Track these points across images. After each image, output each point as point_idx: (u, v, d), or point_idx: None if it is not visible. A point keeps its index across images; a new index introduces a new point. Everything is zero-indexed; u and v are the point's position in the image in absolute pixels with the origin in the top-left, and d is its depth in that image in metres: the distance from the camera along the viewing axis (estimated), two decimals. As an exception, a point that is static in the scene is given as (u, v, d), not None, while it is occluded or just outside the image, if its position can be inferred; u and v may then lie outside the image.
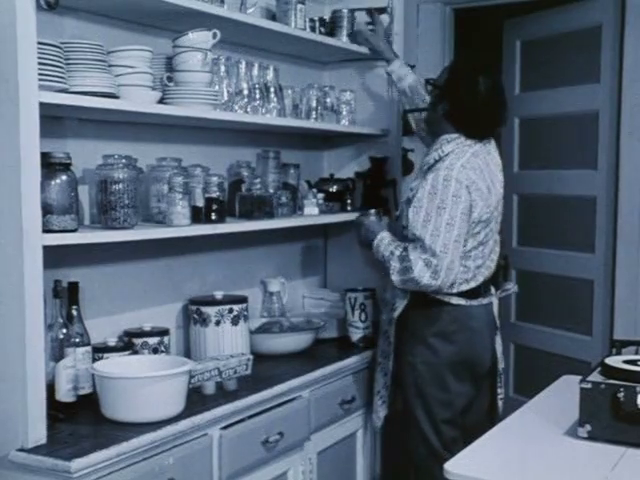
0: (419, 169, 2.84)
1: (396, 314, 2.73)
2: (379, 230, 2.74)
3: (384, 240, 2.69)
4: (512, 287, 2.95)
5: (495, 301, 2.81)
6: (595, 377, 2.09)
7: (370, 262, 3.25)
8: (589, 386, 2.04)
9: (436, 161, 2.66)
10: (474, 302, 2.70)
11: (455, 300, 2.66)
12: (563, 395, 2.39)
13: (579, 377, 2.11)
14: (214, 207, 2.57)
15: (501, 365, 2.83)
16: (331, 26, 3.23)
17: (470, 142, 2.69)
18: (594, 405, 2.03)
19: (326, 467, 2.81)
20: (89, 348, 2.28)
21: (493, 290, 2.83)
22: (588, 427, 2.04)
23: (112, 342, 2.43)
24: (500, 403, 2.85)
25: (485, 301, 2.75)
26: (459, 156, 2.63)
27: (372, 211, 2.89)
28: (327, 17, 3.28)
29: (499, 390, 2.84)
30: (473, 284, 2.69)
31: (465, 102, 2.70)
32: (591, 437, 2.04)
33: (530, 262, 4.14)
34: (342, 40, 3.22)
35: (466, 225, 2.58)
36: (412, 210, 2.60)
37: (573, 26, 3.84)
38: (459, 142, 2.68)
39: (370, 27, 3.24)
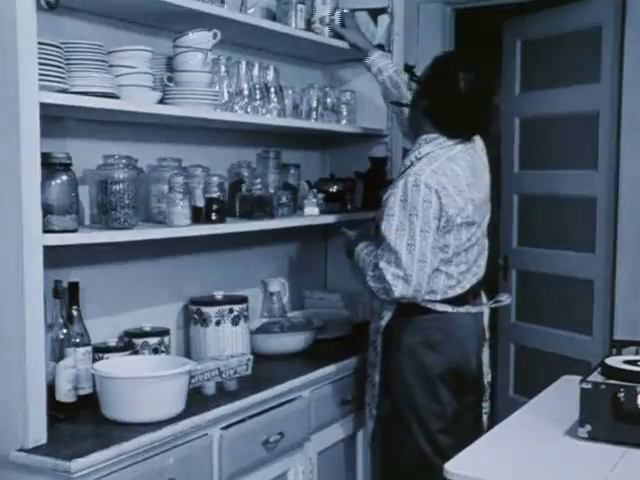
0: (398, 170, 2.76)
1: (383, 323, 2.64)
2: (358, 241, 2.69)
3: (363, 250, 2.63)
4: (505, 299, 2.81)
5: (486, 311, 2.71)
6: (595, 377, 2.09)
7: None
8: (589, 386, 2.04)
9: (412, 163, 2.55)
10: (461, 309, 2.61)
11: (440, 307, 2.58)
12: (563, 395, 2.38)
13: (579, 377, 2.11)
14: (214, 207, 2.57)
15: (487, 379, 2.72)
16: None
17: (451, 143, 2.55)
18: (594, 405, 2.03)
19: (326, 467, 2.81)
20: (89, 348, 2.28)
21: (485, 299, 2.74)
22: (588, 427, 2.04)
23: (112, 342, 2.43)
24: (485, 418, 2.73)
25: (474, 310, 2.66)
26: (431, 161, 2.50)
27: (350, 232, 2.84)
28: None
29: (484, 405, 2.73)
30: (459, 290, 2.60)
31: (442, 99, 2.55)
32: (591, 437, 2.04)
33: (530, 262, 4.13)
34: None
35: (437, 230, 2.48)
36: (385, 218, 2.50)
37: (573, 26, 3.83)
38: (437, 143, 2.55)
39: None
